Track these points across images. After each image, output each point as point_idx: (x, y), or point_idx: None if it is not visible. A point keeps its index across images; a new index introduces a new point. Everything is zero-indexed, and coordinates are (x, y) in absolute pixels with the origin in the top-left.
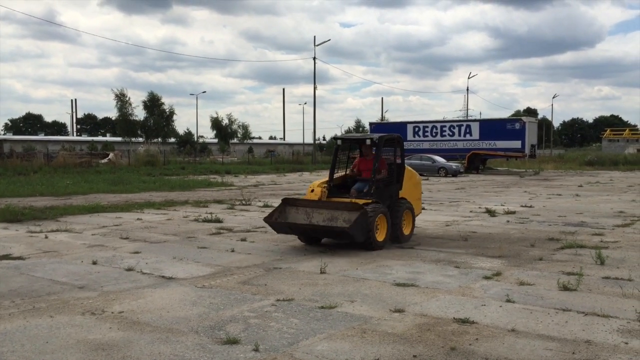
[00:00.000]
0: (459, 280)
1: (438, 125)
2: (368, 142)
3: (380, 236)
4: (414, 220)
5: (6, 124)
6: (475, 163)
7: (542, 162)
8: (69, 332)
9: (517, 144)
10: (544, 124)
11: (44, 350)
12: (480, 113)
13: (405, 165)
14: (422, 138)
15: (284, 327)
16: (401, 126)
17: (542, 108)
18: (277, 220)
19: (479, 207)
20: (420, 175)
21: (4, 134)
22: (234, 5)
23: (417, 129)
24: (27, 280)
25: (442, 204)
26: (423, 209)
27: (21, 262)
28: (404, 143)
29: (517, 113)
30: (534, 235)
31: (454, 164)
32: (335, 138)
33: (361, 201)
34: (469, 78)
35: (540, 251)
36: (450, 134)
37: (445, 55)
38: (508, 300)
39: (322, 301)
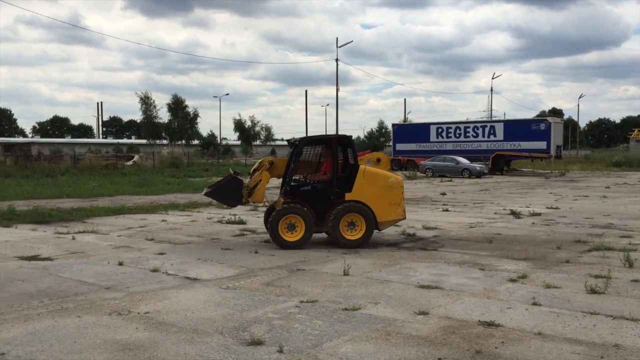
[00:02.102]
0: (484, 283)
1: (462, 126)
2: (289, 144)
3: (292, 236)
4: (369, 226)
5: (34, 127)
6: (500, 164)
7: (568, 163)
8: (96, 332)
9: (542, 144)
10: (570, 125)
11: (72, 350)
12: (505, 114)
13: (366, 166)
14: (445, 139)
15: (308, 328)
16: (424, 127)
17: (568, 108)
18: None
19: (504, 209)
20: (444, 176)
21: (32, 137)
22: (254, 8)
23: (440, 130)
24: (55, 281)
25: (465, 206)
26: (425, 211)
27: (49, 262)
28: (427, 144)
29: (542, 113)
30: (561, 237)
31: (477, 165)
32: (287, 141)
33: (280, 202)
34: (492, 78)
35: (566, 253)
36: (474, 134)
37: (468, 55)
38: (534, 303)
39: (345, 303)
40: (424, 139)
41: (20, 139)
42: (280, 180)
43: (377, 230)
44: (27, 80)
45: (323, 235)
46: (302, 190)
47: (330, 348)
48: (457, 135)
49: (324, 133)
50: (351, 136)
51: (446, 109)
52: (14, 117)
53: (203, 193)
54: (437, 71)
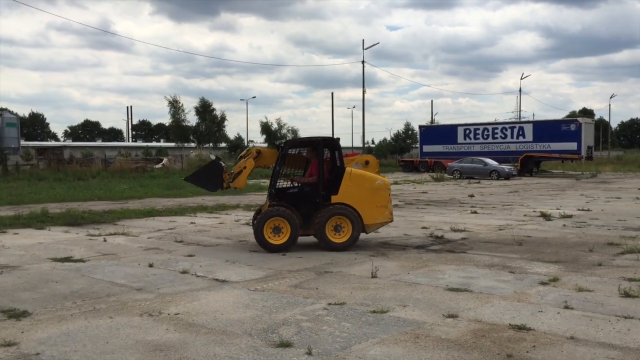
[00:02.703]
0: (514, 286)
1: (489, 127)
2: (275, 146)
3: (278, 239)
4: (356, 229)
5: (66, 131)
6: (529, 165)
7: (599, 164)
8: (128, 333)
9: (572, 145)
10: (601, 125)
11: (104, 350)
12: (534, 114)
13: (352, 168)
14: (473, 140)
15: (336, 331)
16: (451, 129)
17: (599, 108)
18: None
19: (534, 211)
20: (472, 178)
21: (64, 141)
22: (280, 11)
23: (467, 131)
24: (88, 282)
25: (494, 208)
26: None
27: (82, 264)
28: (454, 146)
29: (573, 114)
30: (593, 239)
31: (506, 167)
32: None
33: (266, 204)
34: (521, 79)
35: (599, 256)
36: (503, 136)
37: (495, 56)
38: (566, 307)
39: (373, 305)
40: (451, 140)
41: (53, 143)
42: (264, 173)
43: (364, 233)
44: (59, 85)
45: (311, 238)
46: (288, 193)
47: (358, 351)
48: (485, 137)
49: (351, 135)
50: (338, 138)
51: (473, 110)
52: (47, 121)
53: (184, 178)
54: (464, 72)
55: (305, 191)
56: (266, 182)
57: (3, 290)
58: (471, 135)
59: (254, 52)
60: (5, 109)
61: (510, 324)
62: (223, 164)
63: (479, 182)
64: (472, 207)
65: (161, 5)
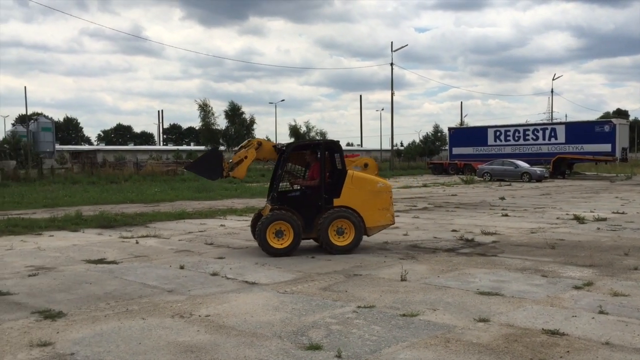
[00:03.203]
0: (547, 290)
1: (521, 129)
2: (274, 148)
3: (280, 243)
4: (358, 232)
5: (99, 135)
6: (561, 168)
7: (634, 166)
8: (160, 334)
9: (606, 147)
10: (636, 126)
11: (137, 351)
12: (566, 115)
13: (354, 171)
14: (503, 142)
15: (366, 334)
16: (481, 130)
17: (633, 109)
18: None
19: (567, 214)
20: (502, 180)
21: (97, 145)
22: (308, 15)
23: (498, 133)
24: (121, 284)
25: (526, 210)
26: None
27: (115, 266)
28: (485, 148)
29: (606, 115)
30: (628, 243)
31: (538, 169)
32: (273, 146)
33: (268, 208)
34: (553, 79)
35: (635, 260)
36: (534, 137)
37: (526, 56)
38: (601, 312)
39: (403, 309)
40: (481, 142)
41: (87, 147)
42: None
43: (366, 236)
44: (92, 90)
45: (311, 242)
46: (289, 197)
47: (388, 354)
48: (516, 139)
49: (380, 137)
50: (339, 141)
51: (504, 112)
52: (81, 125)
53: (184, 167)
54: (494, 73)
55: (307, 194)
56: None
57: (39, 291)
58: (502, 137)
59: (282, 55)
60: (41, 114)
61: (543, 329)
62: (222, 152)
63: (510, 185)
64: (503, 209)
65: (191, 11)
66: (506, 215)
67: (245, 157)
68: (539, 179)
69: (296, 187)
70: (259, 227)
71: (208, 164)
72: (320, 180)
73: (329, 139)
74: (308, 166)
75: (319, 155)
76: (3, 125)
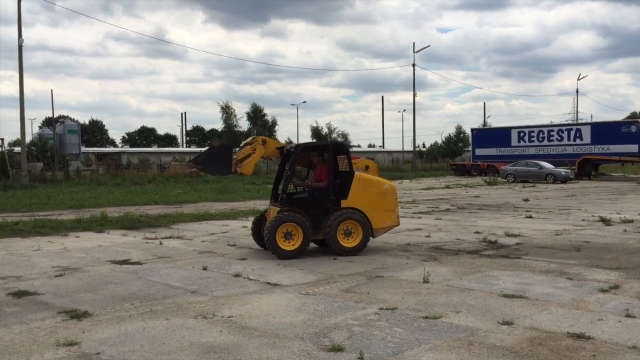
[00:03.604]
0: (572, 293)
1: (545, 129)
2: (284, 150)
3: (289, 245)
4: (366, 233)
5: (123, 137)
6: (587, 169)
7: None
8: (184, 335)
9: (633, 147)
10: None
11: (161, 351)
12: (592, 116)
13: (360, 173)
14: (527, 143)
15: (388, 336)
16: (505, 131)
17: None
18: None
19: (592, 216)
20: (526, 181)
21: (122, 147)
22: (329, 16)
23: (522, 134)
24: (145, 284)
25: (550, 212)
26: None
27: (139, 266)
28: (508, 149)
29: (633, 115)
30: None
31: (563, 170)
32: (277, 148)
33: (275, 209)
34: (578, 79)
35: None
36: (559, 138)
37: (550, 56)
38: (628, 315)
39: (426, 311)
40: (504, 143)
41: (112, 149)
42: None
43: (371, 237)
44: (116, 93)
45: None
46: (296, 198)
47: (411, 357)
48: (540, 139)
49: (402, 139)
50: (346, 143)
51: (527, 112)
52: (106, 128)
53: (192, 162)
54: (518, 73)
55: (315, 196)
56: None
57: (65, 292)
58: (526, 138)
59: (303, 57)
60: (67, 117)
61: (568, 332)
62: (232, 146)
63: (534, 186)
64: (527, 211)
65: (213, 14)
66: (530, 216)
67: (253, 153)
68: (564, 180)
69: (300, 188)
70: (268, 229)
71: (217, 159)
72: (328, 182)
73: (329, 142)
74: (312, 167)
75: (324, 157)
76: (30, 128)
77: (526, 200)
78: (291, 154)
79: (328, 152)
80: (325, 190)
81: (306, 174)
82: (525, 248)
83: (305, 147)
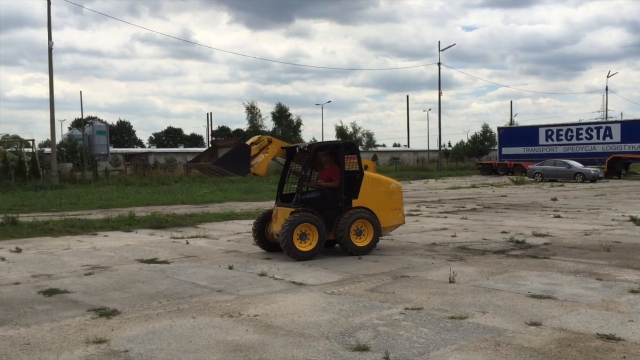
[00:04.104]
0: (602, 294)
1: (573, 128)
2: (297, 149)
3: (306, 246)
4: (376, 232)
5: (150, 138)
6: (617, 167)
7: None
8: (210, 333)
9: None
10: None
11: (188, 349)
12: (622, 114)
13: (368, 172)
14: (555, 142)
15: (414, 336)
16: (532, 130)
17: None
18: (191, 163)
19: (622, 215)
20: (554, 181)
21: (149, 147)
22: (353, 16)
23: (550, 132)
24: (172, 283)
25: (579, 212)
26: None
27: (166, 265)
28: (536, 148)
29: None
30: None
31: (592, 169)
32: (282, 148)
33: (290, 209)
34: (608, 77)
35: None
36: (588, 137)
37: (578, 54)
38: None
39: (452, 311)
40: (532, 142)
41: (139, 149)
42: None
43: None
44: (143, 94)
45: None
46: (309, 198)
47: (437, 357)
48: (569, 138)
49: (427, 138)
50: (355, 142)
51: (555, 111)
52: (133, 129)
53: (213, 163)
54: (545, 71)
55: (327, 195)
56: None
57: (95, 290)
58: (554, 137)
59: (328, 57)
60: (95, 118)
61: (597, 334)
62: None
63: (562, 185)
64: (555, 211)
65: (238, 14)
66: (558, 216)
67: (261, 153)
68: (593, 179)
69: (306, 188)
70: (285, 230)
71: (235, 159)
72: (340, 181)
73: (341, 141)
74: (317, 167)
75: (332, 157)
76: (60, 129)
77: (554, 199)
78: (304, 153)
79: (339, 152)
80: (337, 190)
81: (310, 174)
82: (553, 248)
83: (319, 146)
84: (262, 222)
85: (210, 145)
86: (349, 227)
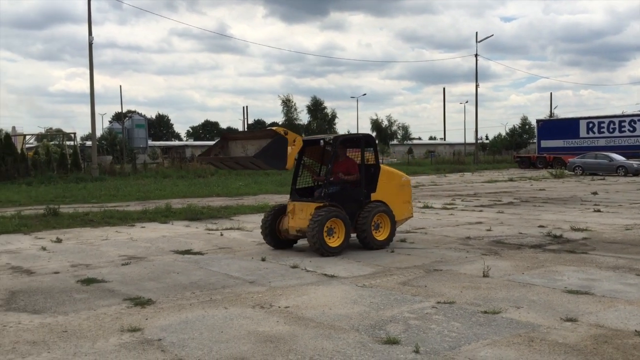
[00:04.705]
0: None
1: (616, 120)
2: (321, 142)
3: (335, 242)
4: (393, 225)
5: (188, 131)
6: None
7: None
8: (241, 324)
9: None
10: None
11: (219, 339)
12: None
13: (383, 165)
14: (597, 135)
15: (445, 330)
16: (573, 122)
17: None
18: (210, 156)
19: None
20: (595, 174)
21: (186, 140)
22: (389, 7)
23: (591, 124)
24: (205, 274)
25: (620, 206)
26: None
27: (200, 257)
28: (576, 140)
29: None
30: None
31: (635, 162)
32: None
33: (315, 204)
34: None
35: None
36: (631, 129)
37: (621, 44)
38: None
39: (485, 306)
40: (572, 134)
41: (176, 143)
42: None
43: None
44: (181, 88)
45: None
46: (331, 193)
47: (468, 351)
48: (611, 130)
49: (463, 131)
50: (372, 134)
51: (597, 102)
52: (171, 122)
53: (253, 156)
54: (587, 62)
55: (347, 189)
56: None
57: (131, 280)
58: (595, 129)
59: (363, 49)
60: (135, 112)
61: (636, 331)
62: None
63: (603, 179)
64: (595, 205)
65: (274, 8)
66: (598, 210)
67: (292, 145)
68: (636, 172)
69: (316, 183)
70: (316, 225)
71: (274, 152)
72: (361, 175)
73: (361, 133)
74: (325, 161)
75: (346, 149)
76: (101, 123)
77: (595, 193)
78: (317, 146)
79: (360, 145)
80: (357, 183)
81: (319, 168)
82: (592, 243)
83: (344, 139)
84: (274, 218)
85: (220, 139)
86: (371, 221)
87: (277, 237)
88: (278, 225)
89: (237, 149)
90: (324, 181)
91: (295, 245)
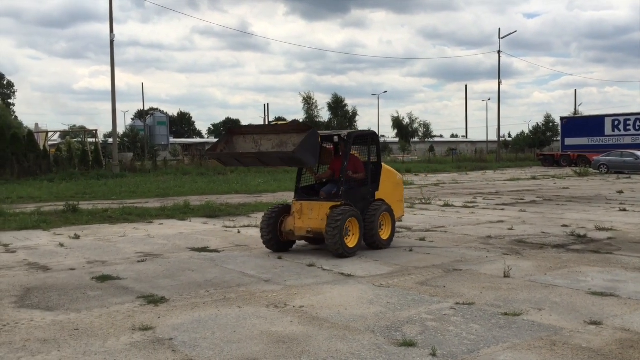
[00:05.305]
0: None
1: None
2: (335, 139)
3: (352, 242)
4: (393, 224)
5: (209, 129)
6: None
7: None
8: (254, 323)
9: None
10: None
11: (231, 339)
12: None
13: (383, 163)
14: (623, 132)
15: (464, 332)
16: (598, 120)
17: None
18: (224, 152)
19: None
20: (620, 172)
21: (207, 138)
22: (410, 5)
23: (616, 122)
24: (220, 272)
25: None
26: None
27: (216, 254)
28: (601, 138)
29: None
30: None
31: None
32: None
33: (330, 203)
34: None
35: None
36: None
37: None
38: None
39: (505, 307)
40: (597, 132)
41: (197, 140)
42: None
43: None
44: (203, 85)
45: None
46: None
47: (487, 355)
48: (637, 128)
49: (486, 129)
50: (376, 132)
51: (623, 100)
52: (193, 120)
53: (292, 152)
54: (612, 59)
55: (354, 188)
56: None
57: (145, 277)
58: (621, 127)
59: (384, 47)
60: (157, 109)
61: None
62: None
63: (629, 177)
64: (620, 204)
65: (295, 6)
66: (624, 210)
67: None
68: None
69: (317, 180)
70: (336, 225)
71: (310, 147)
72: (366, 173)
73: (368, 130)
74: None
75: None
76: (124, 120)
77: (620, 192)
78: (342, 142)
79: (367, 142)
80: (363, 182)
81: (317, 167)
82: (617, 243)
83: (357, 135)
84: (277, 218)
85: (311, 130)
86: (378, 220)
87: (279, 239)
88: (279, 226)
89: (246, 144)
90: (332, 179)
91: (292, 247)
